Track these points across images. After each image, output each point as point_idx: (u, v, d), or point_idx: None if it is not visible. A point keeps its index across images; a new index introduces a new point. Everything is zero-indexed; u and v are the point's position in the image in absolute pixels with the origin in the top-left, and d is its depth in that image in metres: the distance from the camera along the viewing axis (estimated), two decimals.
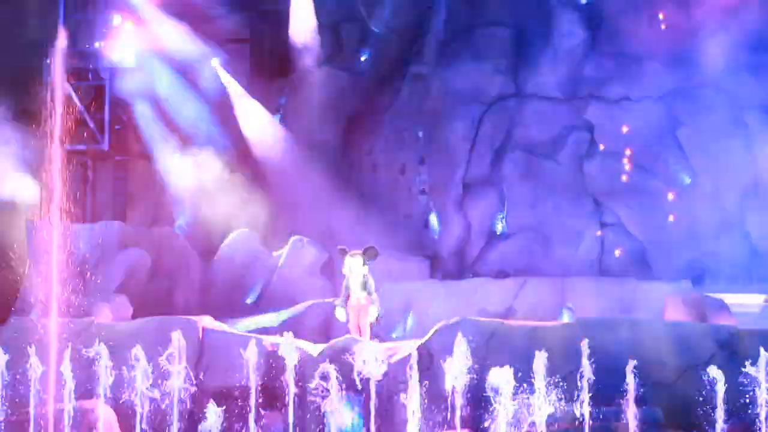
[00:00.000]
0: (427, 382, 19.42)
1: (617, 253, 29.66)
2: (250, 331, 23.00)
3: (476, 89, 31.12)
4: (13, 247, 25.67)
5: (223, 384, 20.13)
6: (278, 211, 29.89)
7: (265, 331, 23.49)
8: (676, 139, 29.90)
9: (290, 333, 19.94)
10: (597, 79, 30.87)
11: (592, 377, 18.88)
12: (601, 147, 30.38)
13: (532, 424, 18.93)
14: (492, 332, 20.12)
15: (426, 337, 20.45)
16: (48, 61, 26.01)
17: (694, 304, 23.83)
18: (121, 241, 27.06)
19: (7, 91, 27.35)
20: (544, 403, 18.96)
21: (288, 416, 19.55)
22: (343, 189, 30.11)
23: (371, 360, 19.44)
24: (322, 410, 19.52)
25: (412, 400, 19.29)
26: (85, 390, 19.99)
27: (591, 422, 18.90)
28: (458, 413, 19.09)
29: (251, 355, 19.76)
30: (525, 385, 18.99)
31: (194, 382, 20.07)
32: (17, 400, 20.07)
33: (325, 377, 19.40)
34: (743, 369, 18.80)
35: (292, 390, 19.54)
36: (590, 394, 18.91)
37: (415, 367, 19.28)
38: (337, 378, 19.35)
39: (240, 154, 30.62)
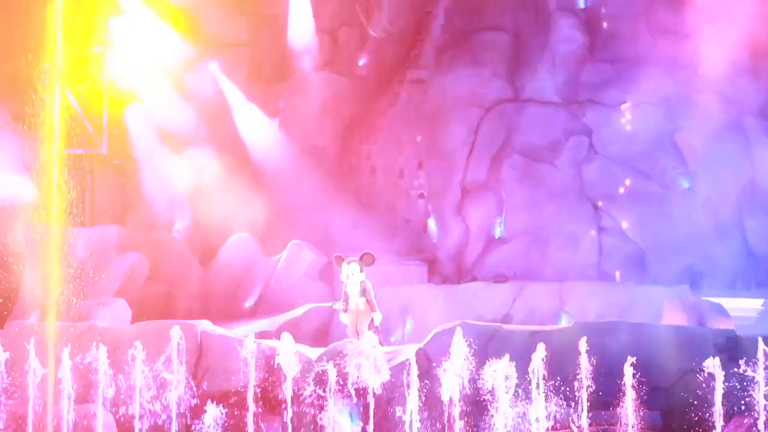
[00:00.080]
0: (425, 386, 19.41)
1: (616, 257, 29.70)
2: (248, 335, 22.97)
3: (474, 94, 31.17)
4: (12, 250, 25.66)
5: (221, 387, 20.11)
6: (277, 215, 29.89)
7: (263, 335, 23.45)
8: (674, 143, 29.95)
9: (288, 334, 19.92)
10: (595, 84, 30.93)
11: (591, 381, 18.89)
12: (599, 152, 30.47)
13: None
14: (490, 336, 20.10)
15: (424, 341, 20.43)
16: (47, 65, 26.00)
17: (692, 308, 23.85)
18: (119, 245, 27.07)
19: (6, 95, 27.33)
20: (542, 407, 18.97)
21: (286, 419, 19.55)
22: (341, 193, 30.15)
23: (370, 364, 19.44)
24: (320, 413, 19.52)
25: (410, 404, 19.29)
26: (84, 394, 19.98)
27: (589, 426, 18.91)
28: (456, 417, 19.09)
29: (249, 359, 19.75)
30: (523, 389, 19.00)
31: (192, 386, 20.07)
32: (16, 402, 20.06)
33: (322, 381, 19.40)
34: (741, 373, 18.83)
35: (290, 393, 19.53)
36: (589, 398, 18.91)
37: (414, 371, 19.28)
38: (334, 381, 19.36)
39: (238, 158, 30.62)
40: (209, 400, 19.65)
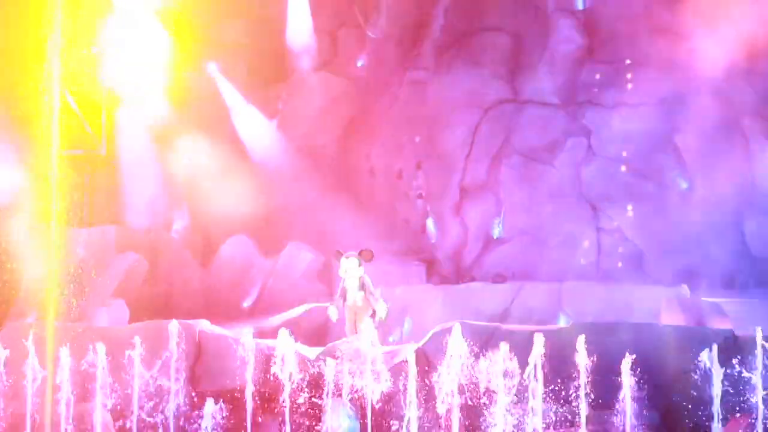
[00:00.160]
0: (423, 385, 19.41)
1: (614, 257, 29.71)
2: (246, 335, 22.96)
3: (474, 95, 31.17)
4: (10, 250, 25.67)
5: (219, 387, 20.11)
6: (275, 216, 29.92)
7: (261, 334, 23.44)
8: (673, 144, 29.96)
9: (286, 332, 19.90)
10: (594, 85, 30.94)
11: (589, 381, 18.89)
12: (598, 153, 30.50)
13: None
14: (489, 336, 20.10)
15: (423, 341, 20.44)
16: (45, 66, 26.01)
17: (691, 308, 23.85)
18: (118, 245, 27.07)
19: (5, 95, 27.34)
20: (540, 407, 18.97)
21: (284, 419, 19.54)
22: (339, 194, 30.16)
23: (368, 364, 19.44)
24: (318, 413, 19.52)
25: (409, 403, 19.29)
26: (82, 393, 19.98)
27: (588, 426, 18.91)
28: (455, 416, 19.09)
29: (248, 359, 19.75)
30: (521, 389, 19.01)
31: (191, 385, 20.07)
32: (14, 402, 20.07)
33: (321, 380, 19.40)
34: (740, 373, 18.83)
35: (289, 393, 19.52)
36: (587, 398, 18.91)
37: (412, 370, 19.27)
38: (332, 381, 19.36)
39: (237, 159, 30.63)
40: (207, 399, 19.65)
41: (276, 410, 19.73)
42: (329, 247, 27.11)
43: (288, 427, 19.49)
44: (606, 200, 30.15)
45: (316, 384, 19.56)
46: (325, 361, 19.71)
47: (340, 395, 19.49)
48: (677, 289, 26.31)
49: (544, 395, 19.02)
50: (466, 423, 19.24)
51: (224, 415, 19.63)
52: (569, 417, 19.09)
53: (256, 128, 31.08)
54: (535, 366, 18.92)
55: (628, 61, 30.30)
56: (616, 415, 18.92)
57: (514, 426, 19.05)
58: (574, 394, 18.99)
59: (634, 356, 18.90)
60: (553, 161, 30.62)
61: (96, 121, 30.20)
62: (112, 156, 30.60)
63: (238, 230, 29.04)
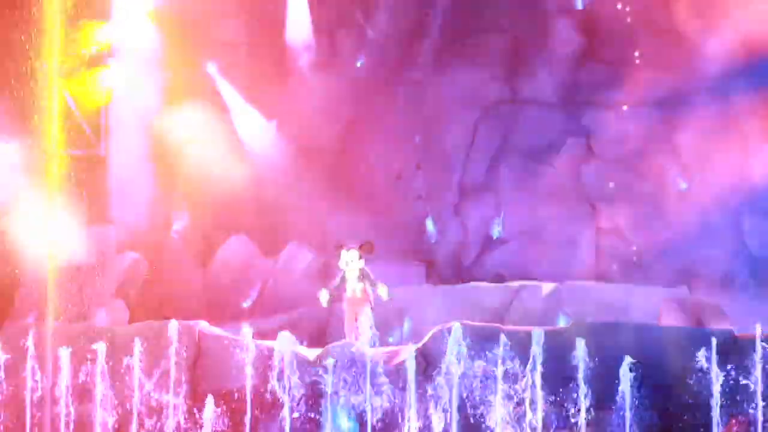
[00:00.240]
0: (422, 386, 19.41)
1: (613, 257, 29.72)
2: (246, 336, 22.95)
3: (472, 95, 31.19)
4: (9, 250, 25.64)
5: (219, 388, 20.10)
6: (274, 216, 29.90)
7: (261, 335, 23.44)
8: (672, 144, 29.97)
9: (287, 333, 19.89)
10: (593, 85, 30.96)
11: (589, 381, 18.88)
12: (597, 153, 30.50)
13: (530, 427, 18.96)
14: (488, 337, 20.09)
15: (422, 342, 20.43)
16: (44, 66, 25.99)
17: (690, 308, 23.85)
18: (117, 245, 27.06)
19: (3, 95, 27.30)
20: (540, 407, 18.97)
21: (284, 419, 19.53)
22: (339, 194, 30.14)
23: (367, 364, 19.45)
24: (318, 414, 19.51)
25: (408, 404, 19.28)
26: (82, 394, 19.97)
27: (587, 426, 18.91)
28: (454, 417, 19.08)
29: (247, 360, 19.74)
30: (521, 389, 19.01)
31: (190, 386, 20.06)
32: (13, 402, 20.05)
33: (321, 381, 19.39)
34: (739, 373, 18.83)
35: (288, 394, 19.51)
36: (586, 399, 18.91)
37: (411, 371, 19.27)
38: (332, 382, 19.34)
39: (236, 159, 30.61)
40: (206, 400, 19.63)
41: (275, 410, 19.72)
42: (329, 247, 27.12)
43: (287, 428, 19.48)
44: (605, 200, 30.15)
45: (315, 386, 19.53)
46: (324, 362, 19.67)
47: (340, 395, 19.48)
48: (677, 289, 26.33)
49: (544, 396, 19.01)
50: (466, 423, 19.24)
51: (224, 415, 19.62)
52: (568, 418, 19.06)
53: (255, 128, 31.05)
54: (534, 367, 18.91)
55: (637, 61, 30.29)
56: (616, 416, 18.89)
57: (513, 426, 19.03)
58: (573, 395, 18.98)
59: (633, 357, 18.89)
60: (553, 161, 30.64)
61: (95, 120, 30.16)
62: (111, 156, 30.57)
63: (238, 230, 29.03)
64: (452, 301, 26.47)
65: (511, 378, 19.03)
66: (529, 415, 19.03)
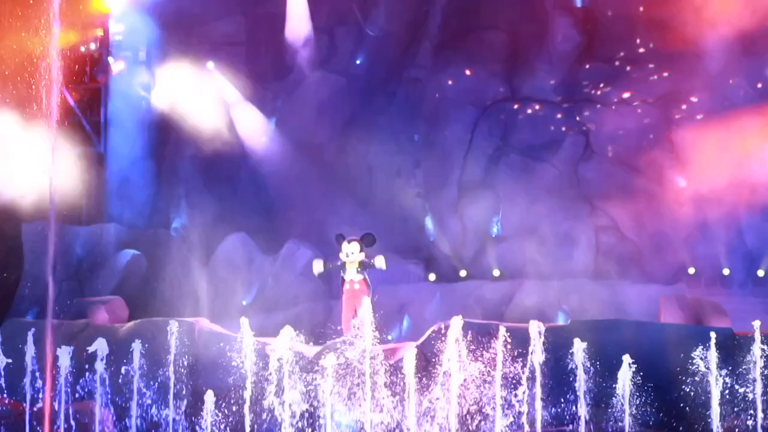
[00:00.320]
0: (422, 383, 19.44)
1: (612, 255, 29.75)
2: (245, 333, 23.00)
3: (472, 93, 31.21)
4: (9, 248, 25.70)
5: (218, 385, 20.13)
6: (274, 214, 29.93)
7: (261, 333, 23.49)
8: (671, 141, 29.99)
9: (289, 328, 19.87)
10: (592, 83, 30.98)
11: (588, 378, 18.91)
12: (596, 150, 30.54)
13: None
14: (487, 334, 20.13)
15: (421, 339, 20.46)
16: (44, 64, 25.99)
17: (689, 306, 23.84)
18: (117, 243, 27.10)
19: (3, 94, 27.34)
20: (540, 404, 19.01)
21: (283, 416, 19.56)
22: (338, 192, 30.15)
23: (367, 361, 19.48)
24: (318, 410, 19.54)
25: (407, 401, 19.31)
26: (82, 391, 20.00)
27: (587, 423, 18.94)
28: (454, 413, 19.12)
29: (247, 357, 19.76)
30: (521, 386, 19.04)
31: (190, 383, 20.09)
32: (14, 399, 20.09)
33: (320, 378, 19.42)
34: (738, 371, 18.87)
35: (287, 390, 19.54)
36: (585, 396, 18.94)
37: (410, 368, 19.29)
38: (333, 379, 19.37)
39: (236, 157, 30.65)
40: (206, 397, 19.66)
41: (274, 408, 19.74)
42: (328, 245, 27.12)
43: (287, 425, 19.51)
44: (604, 198, 30.18)
45: (315, 381, 19.55)
46: (323, 359, 19.70)
47: (340, 392, 19.51)
48: (676, 286, 26.35)
49: (543, 393, 19.04)
50: (466, 420, 19.27)
51: (223, 412, 19.65)
52: (568, 414, 19.09)
53: (254, 126, 31.08)
54: (533, 364, 18.95)
55: (636, 59, 30.30)
56: (615, 413, 18.93)
57: (513, 423, 19.06)
58: (572, 392, 19.01)
59: (632, 355, 18.91)
60: (551, 159, 30.66)
61: (95, 119, 30.21)
62: (111, 154, 30.62)
63: (236, 228, 29.06)
64: (451, 298, 26.51)
65: (510, 376, 19.08)
66: (529, 410, 19.09)
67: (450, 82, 31.24)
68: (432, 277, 29.72)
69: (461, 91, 31.19)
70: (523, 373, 19.01)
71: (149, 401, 19.97)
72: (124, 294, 25.45)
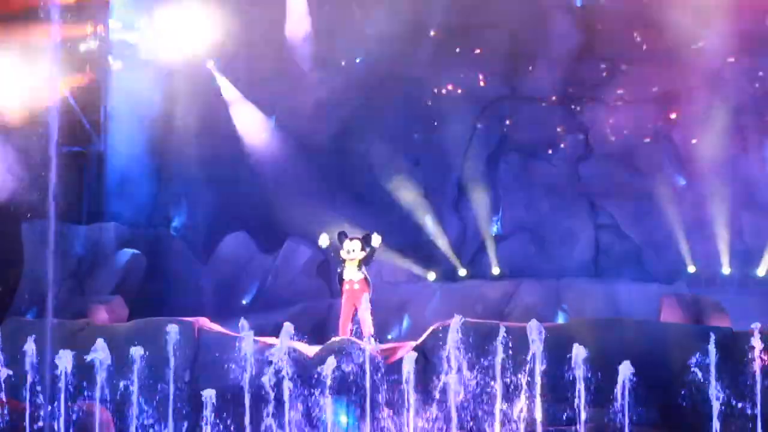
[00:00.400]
0: (422, 383, 19.43)
1: (612, 253, 29.77)
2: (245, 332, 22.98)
3: (471, 91, 31.22)
4: (9, 248, 25.68)
5: (218, 384, 20.12)
6: (274, 212, 29.91)
7: (260, 332, 23.47)
8: (671, 140, 30.00)
9: (290, 325, 19.86)
10: (592, 81, 30.98)
11: (589, 377, 18.91)
12: (596, 149, 30.54)
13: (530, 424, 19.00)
14: (487, 333, 20.13)
15: (421, 339, 20.46)
16: (44, 62, 25.98)
17: (689, 304, 23.85)
18: (117, 242, 27.08)
19: (3, 92, 27.34)
20: (539, 404, 19.00)
21: (283, 416, 19.55)
22: (338, 191, 30.15)
23: (367, 361, 19.47)
24: (317, 411, 19.53)
25: (407, 401, 19.30)
26: (82, 391, 19.98)
27: (587, 423, 18.93)
28: (454, 413, 19.11)
29: (246, 356, 19.75)
30: (521, 386, 19.04)
31: (190, 383, 20.08)
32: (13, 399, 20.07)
33: (320, 378, 19.41)
34: (738, 370, 18.87)
35: (287, 390, 19.53)
36: (585, 395, 18.93)
37: (410, 368, 19.28)
38: (332, 379, 19.36)
39: (236, 156, 30.63)
40: (206, 396, 19.64)
41: (274, 407, 19.73)
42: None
43: (287, 424, 19.50)
44: (603, 196, 30.18)
45: (314, 382, 19.54)
46: (323, 359, 19.69)
47: (339, 392, 19.51)
48: (676, 285, 26.34)
49: (543, 392, 19.03)
50: (466, 419, 19.26)
51: (223, 412, 19.64)
52: (568, 414, 19.09)
53: (254, 125, 31.06)
54: (533, 363, 18.94)
55: (635, 58, 30.29)
56: (615, 412, 18.92)
57: (513, 423, 19.06)
58: (572, 391, 19.00)
59: (632, 353, 18.91)
60: (551, 157, 30.69)
61: (95, 117, 30.18)
62: (111, 153, 30.60)
63: (237, 227, 29.05)
64: (451, 297, 26.51)
65: (511, 373, 19.07)
66: (529, 410, 19.08)
67: (449, 81, 31.21)
68: (432, 276, 29.77)
69: (461, 89, 31.18)
70: (523, 373, 19.01)
71: (149, 401, 19.96)
72: (123, 293, 25.46)
